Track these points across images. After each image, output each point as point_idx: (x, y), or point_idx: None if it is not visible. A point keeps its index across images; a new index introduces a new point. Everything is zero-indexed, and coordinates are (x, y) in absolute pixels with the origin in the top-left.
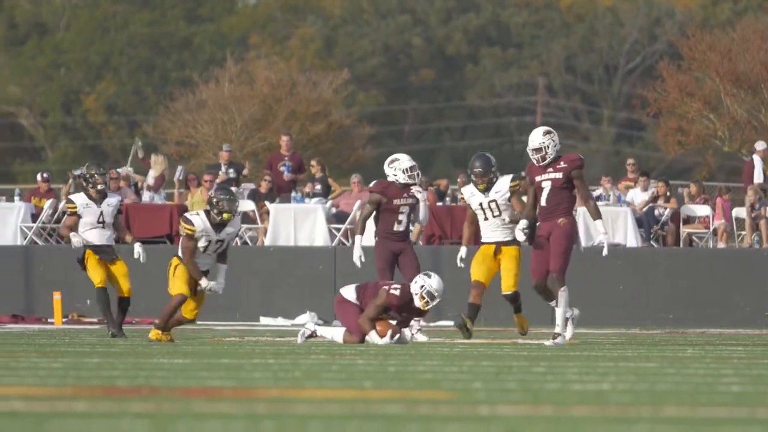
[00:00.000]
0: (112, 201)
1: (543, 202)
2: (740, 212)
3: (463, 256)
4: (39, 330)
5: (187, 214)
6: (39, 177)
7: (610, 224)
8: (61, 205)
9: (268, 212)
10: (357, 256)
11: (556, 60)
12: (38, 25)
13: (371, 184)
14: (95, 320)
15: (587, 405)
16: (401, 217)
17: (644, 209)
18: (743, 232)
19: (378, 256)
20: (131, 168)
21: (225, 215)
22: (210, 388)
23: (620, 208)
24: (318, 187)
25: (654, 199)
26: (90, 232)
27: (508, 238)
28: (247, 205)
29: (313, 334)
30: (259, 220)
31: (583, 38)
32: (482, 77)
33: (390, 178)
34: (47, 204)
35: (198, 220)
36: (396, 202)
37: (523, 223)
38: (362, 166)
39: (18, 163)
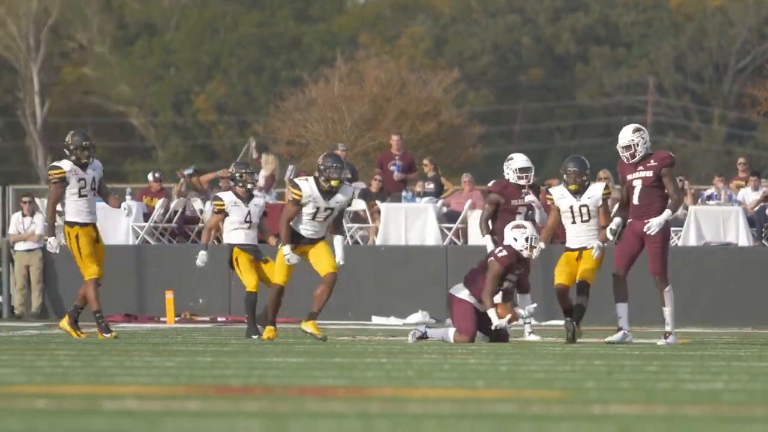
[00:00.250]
0: (259, 201)
1: (635, 200)
2: None
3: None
4: (152, 329)
5: (296, 179)
6: (150, 176)
7: (722, 223)
8: (173, 203)
9: (379, 211)
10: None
11: (665, 59)
12: (148, 26)
13: (490, 184)
14: (207, 319)
15: (700, 404)
16: (519, 217)
17: (755, 208)
18: None
19: None
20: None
21: (333, 182)
22: (323, 387)
23: (732, 207)
24: (431, 186)
25: (765, 198)
26: (236, 232)
27: (593, 244)
28: (357, 205)
29: (424, 336)
30: (370, 220)
31: (693, 38)
32: (592, 76)
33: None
34: (159, 203)
35: (306, 185)
36: (514, 202)
37: (615, 221)
38: (473, 165)
39: (129, 163)
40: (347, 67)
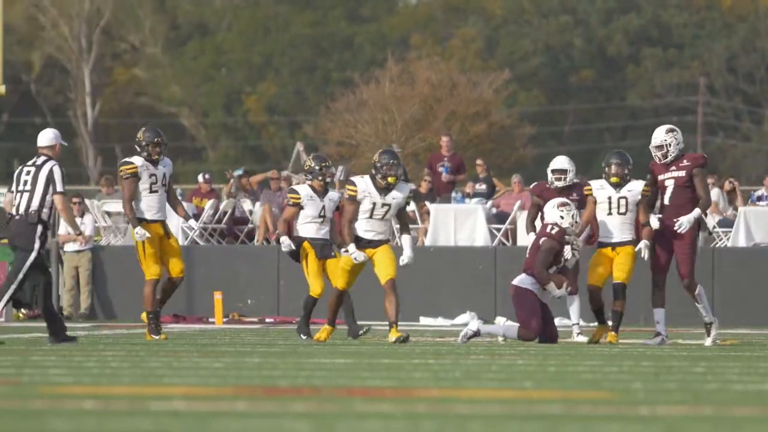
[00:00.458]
0: (333, 196)
1: (666, 200)
2: None
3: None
4: (200, 330)
5: (352, 177)
6: (200, 177)
7: None
8: (223, 204)
9: (428, 212)
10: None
11: (717, 60)
12: (200, 26)
13: (531, 186)
14: (256, 320)
15: (748, 405)
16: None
17: None
18: None
19: None
20: (291, 171)
21: (390, 179)
22: (371, 388)
23: None
24: (483, 187)
25: None
26: (308, 226)
27: (627, 238)
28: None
29: (476, 334)
30: (419, 221)
31: (745, 39)
32: (643, 77)
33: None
34: (208, 204)
35: (361, 181)
36: (541, 204)
37: (644, 243)
38: (523, 166)
39: (179, 164)
40: (398, 68)
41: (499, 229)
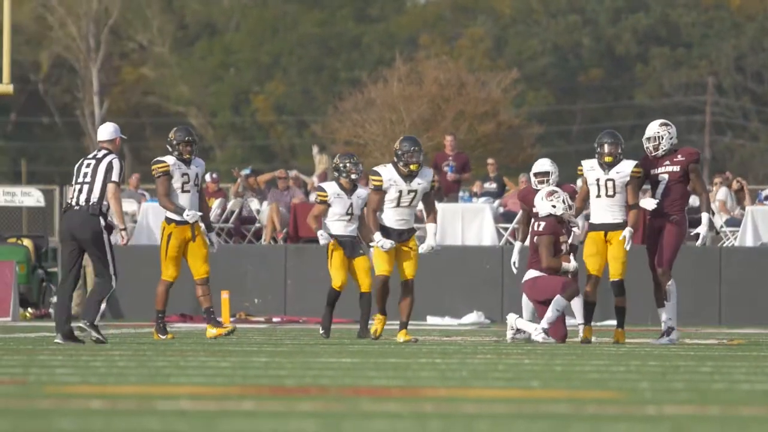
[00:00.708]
0: (362, 193)
1: (658, 195)
2: None
3: (579, 231)
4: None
5: (375, 168)
6: (208, 177)
7: None
8: (230, 203)
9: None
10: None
11: (725, 60)
12: (208, 26)
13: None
14: (262, 319)
15: (755, 405)
16: (542, 224)
17: None
18: None
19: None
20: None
21: (412, 166)
22: (377, 387)
23: None
24: (494, 186)
25: None
26: (336, 223)
27: (618, 220)
28: None
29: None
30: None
31: (754, 38)
32: (651, 77)
33: None
34: (216, 203)
35: (385, 170)
36: (535, 209)
37: (628, 232)
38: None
39: None
40: (406, 68)
41: (506, 229)
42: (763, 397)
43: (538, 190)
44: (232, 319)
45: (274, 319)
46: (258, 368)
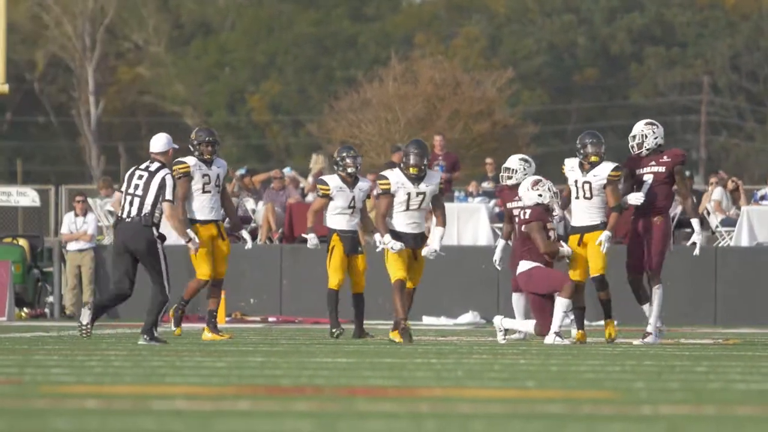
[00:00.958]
0: (363, 186)
1: (643, 195)
2: None
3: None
4: (203, 329)
5: (382, 172)
6: None
7: None
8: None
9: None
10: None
11: (720, 59)
12: (203, 25)
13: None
14: (258, 319)
15: (750, 405)
16: (516, 220)
17: None
18: None
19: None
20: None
21: (411, 169)
22: (373, 387)
23: None
24: (492, 185)
25: None
26: (338, 217)
27: (596, 222)
28: None
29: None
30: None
31: (749, 37)
32: (646, 76)
33: None
34: None
35: (392, 174)
36: (509, 205)
37: (605, 236)
38: None
39: None
40: (401, 67)
41: (501, 228)
42: (758, 397)
43: (507, 185)
44: (227, 319)
45: (270, 319)
46: (254, 368)
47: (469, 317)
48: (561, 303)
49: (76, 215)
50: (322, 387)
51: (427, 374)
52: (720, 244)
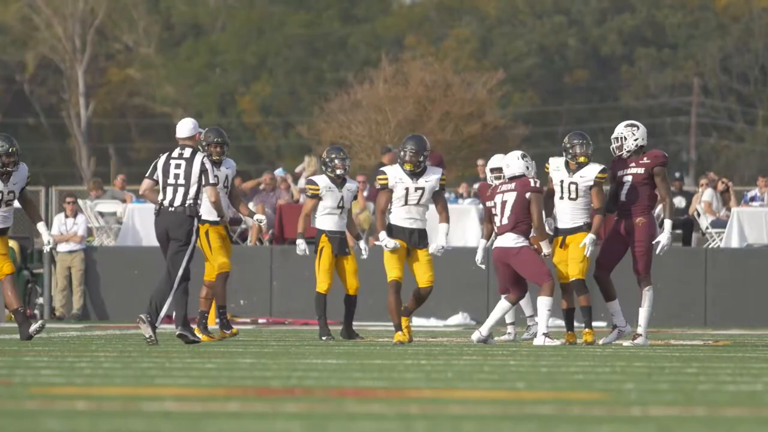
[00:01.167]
0: (351, 186)
1: (623, 197)
2: None
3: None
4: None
5: (381, 168)
6: None
7: (765, 225)
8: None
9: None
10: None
11: (711, 61)
12: (194, 27)
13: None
14: (248, 320)
15: (741, 406)
16: (495, 218)
17: None
18: None
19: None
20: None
21: (407, 165)
22: (363, 388)
23: None
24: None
25: None
26: (326, 217)
27: (579, 223)
28: None
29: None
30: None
31: (739, 39)
32: (637, 78)
33: None
34: None
35: (390, 169)
36: (488, 204)
37: (589, 238)
38: None
39: None
40: (392, 69)
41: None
42: (748, 398)
43: (487, 184)
44: (217, 321)
45: (260, 321)
46: (243, 369)
47: (458, 318)
48: (544, 302)
49: (66, 216)
50: (312, 388)
51: (417, 375)
52: (710, 246)
